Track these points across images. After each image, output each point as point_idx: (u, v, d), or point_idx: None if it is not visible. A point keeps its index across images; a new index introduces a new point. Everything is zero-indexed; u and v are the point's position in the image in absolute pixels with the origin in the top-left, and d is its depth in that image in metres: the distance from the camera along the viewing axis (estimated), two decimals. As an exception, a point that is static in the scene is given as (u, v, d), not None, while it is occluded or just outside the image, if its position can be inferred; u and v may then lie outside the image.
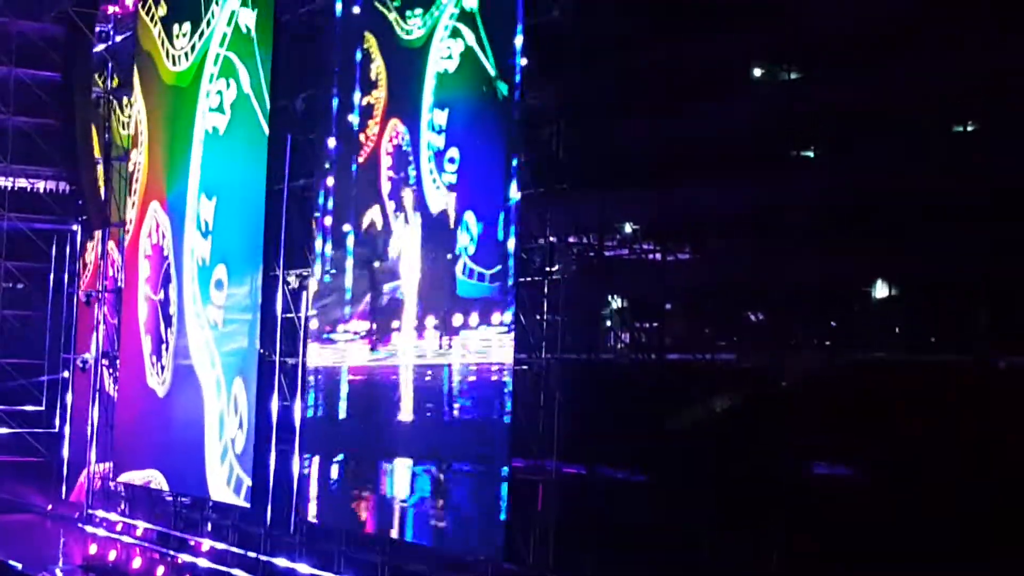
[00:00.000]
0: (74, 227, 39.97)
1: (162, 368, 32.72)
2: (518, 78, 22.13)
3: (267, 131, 29.08)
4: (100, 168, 37.35)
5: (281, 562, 28.10)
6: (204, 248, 31.59)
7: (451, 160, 23.77)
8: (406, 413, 24.36)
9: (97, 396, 36.66)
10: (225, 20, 31.09)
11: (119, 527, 35.35)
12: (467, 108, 23.61)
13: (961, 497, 17.71)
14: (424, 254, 24.36)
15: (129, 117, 36.37)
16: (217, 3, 31.45)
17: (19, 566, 32.94)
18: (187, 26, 32.83)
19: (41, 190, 41.01)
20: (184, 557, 31.85)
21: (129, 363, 34.85)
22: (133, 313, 34.80)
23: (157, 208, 33.79)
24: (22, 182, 41.09)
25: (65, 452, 39.65)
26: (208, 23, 31.85)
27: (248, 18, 30.14)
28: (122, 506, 35.51)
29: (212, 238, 31.34)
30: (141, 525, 34.41)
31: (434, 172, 24.13)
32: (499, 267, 22.04)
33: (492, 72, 22.80)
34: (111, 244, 36.85)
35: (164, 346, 32.87)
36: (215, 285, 30.78)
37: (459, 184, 23.57)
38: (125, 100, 36.98)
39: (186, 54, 32.99)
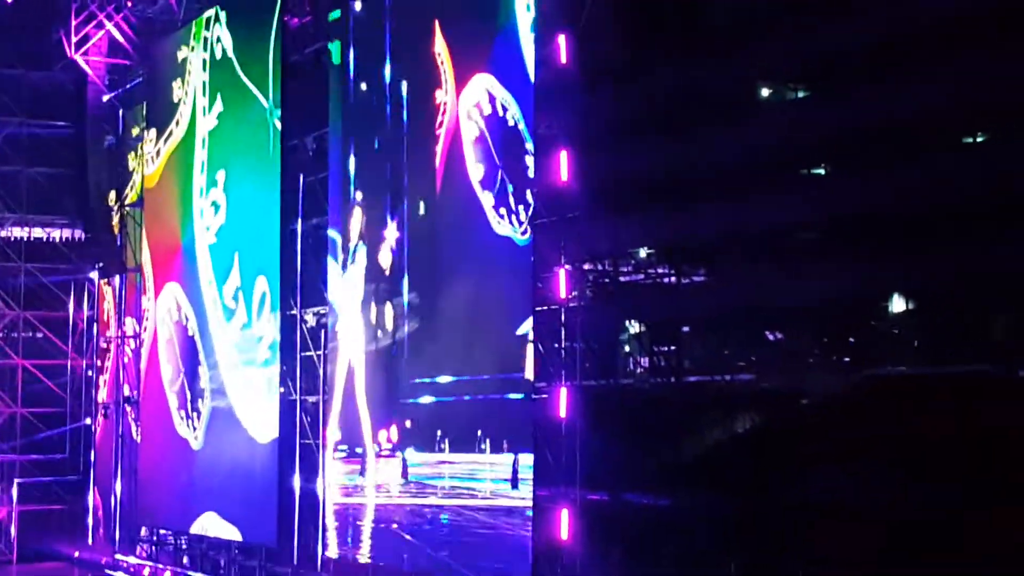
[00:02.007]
0: (91, 275, 40.12)
1: (196, 415, 32.62)
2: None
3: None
4: (115, 215, 37.54)
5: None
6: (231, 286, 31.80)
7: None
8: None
9: (121, 442, 36.75)
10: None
11: (146, 572, 35.33)
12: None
13: (987, 509, 17.65)
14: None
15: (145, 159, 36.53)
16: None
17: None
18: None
19: (57, 239, 41.21)
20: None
21: (154, 410, 34.93)
22: (155, 360, 34.91)
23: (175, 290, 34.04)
24: (38, 232, 41.31)
25: (90, 499, 39.70)
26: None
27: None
28: (150, 549, 35.51)
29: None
30: (172, 569, 34.42)
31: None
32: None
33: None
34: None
35: (191, 393, 32.88)
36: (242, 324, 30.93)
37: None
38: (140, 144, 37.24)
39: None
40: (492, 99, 23.44)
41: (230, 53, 31.47)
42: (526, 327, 22.66)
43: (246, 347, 30.20)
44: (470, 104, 24.08)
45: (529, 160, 22.39)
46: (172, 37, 34.45)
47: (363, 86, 26.79)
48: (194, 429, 32.42)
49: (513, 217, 23.15)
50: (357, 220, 26.54)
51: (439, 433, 24.66)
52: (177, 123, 34.06)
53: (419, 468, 25.06)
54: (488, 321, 23.99)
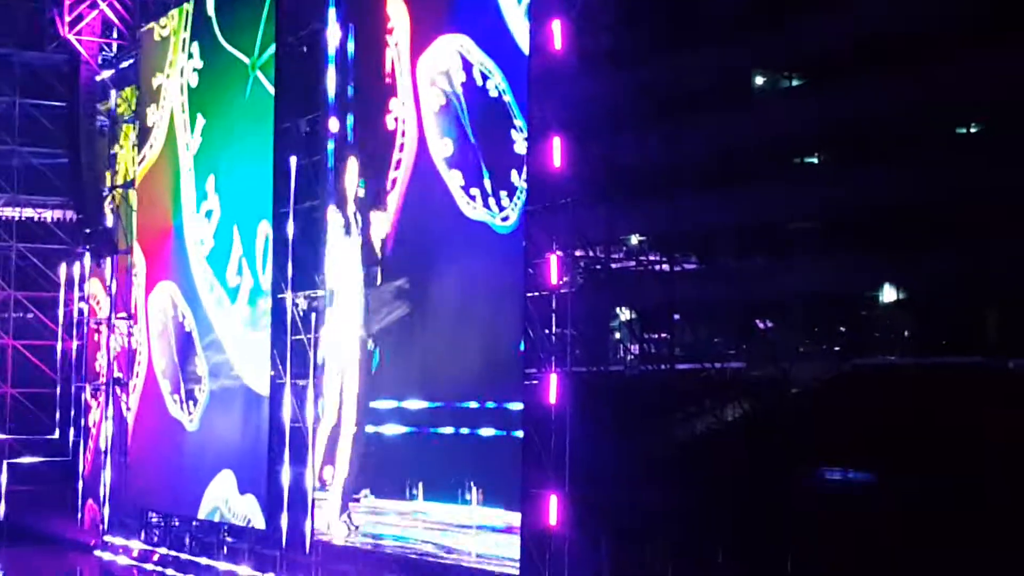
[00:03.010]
0: (83, 256, 40.03)
1: (191, 402, 32.55)
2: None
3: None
4: (106, 195, 37.50)
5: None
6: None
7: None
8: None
9: (111, 422, 36.75)
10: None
11: (135, 552, 35.35)
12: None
13: (976, 498, 17.73)
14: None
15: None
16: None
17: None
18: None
19: (48, 219, 41.14)
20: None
21: (146, 395, 34.95)
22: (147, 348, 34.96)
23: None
24: (29, 212, 41.21)
25: (80, 479, 39.70)
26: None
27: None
28: (143, 534, 35.49)
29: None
30: (160, 550, 34.45)
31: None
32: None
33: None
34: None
35: (184, 381, 32.86)
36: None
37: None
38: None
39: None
40: (468, 65, 22.21)
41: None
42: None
43: (257, 317, 30.20)
44: (435, 70, 22.87)
45: (517, 136, 20.94)
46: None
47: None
48: (189, 413, 32.39)
49: (491, 201, 22.13)
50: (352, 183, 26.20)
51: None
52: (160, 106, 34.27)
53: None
54: (470, 334, 22.72)
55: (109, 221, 37.37)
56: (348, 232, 25.91)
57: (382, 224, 24.13)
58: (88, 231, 37.58)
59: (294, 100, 29.09)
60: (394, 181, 24.03)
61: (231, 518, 29.19)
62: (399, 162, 23.63)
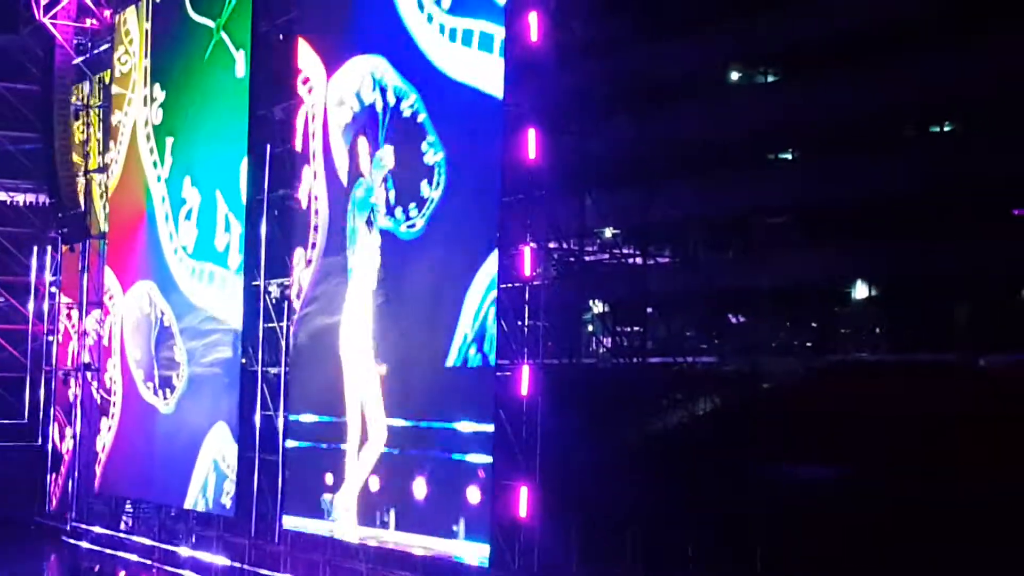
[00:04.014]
0: (56, 242, 39.82)
1: (168, 389, 32.39)
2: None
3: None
4: (79, 179, 37.31)
5: (265, 572, 28.06)
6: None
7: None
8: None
9: (81, 409, 36.62)
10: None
11: (103, 539, 35.26)
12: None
13: (946, 494, 17.79)
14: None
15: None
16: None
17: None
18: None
19: (21, 203, 40.90)
20: (169, 568, 31.79)
21: (118, 383, 34.80)
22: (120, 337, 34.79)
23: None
24: (1, 195, 40.98)
25: (49, 465, 39.53)
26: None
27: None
28: (123, 523, 35.35)
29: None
30: (128, 537, 34.35)
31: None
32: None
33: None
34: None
35: (160, 369, 32.72)
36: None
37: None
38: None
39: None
40: (383, 88, 23.06)
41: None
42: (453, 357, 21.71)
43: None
44: (345, 90, 23.70)
45: (428, 149, 21.74)
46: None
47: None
48: (165, 399, 32.22)
49: (398, 211, 22.84)
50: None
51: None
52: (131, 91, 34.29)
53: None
54: (407, 352, 23.12)
55: (82, 206, 37.20)
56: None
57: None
58: (60, 215, 37.37)
59: (269, 87, 29.00)
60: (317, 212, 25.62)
61: (228, 472, 29.04)
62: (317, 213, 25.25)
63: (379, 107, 22.91)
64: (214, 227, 30.28)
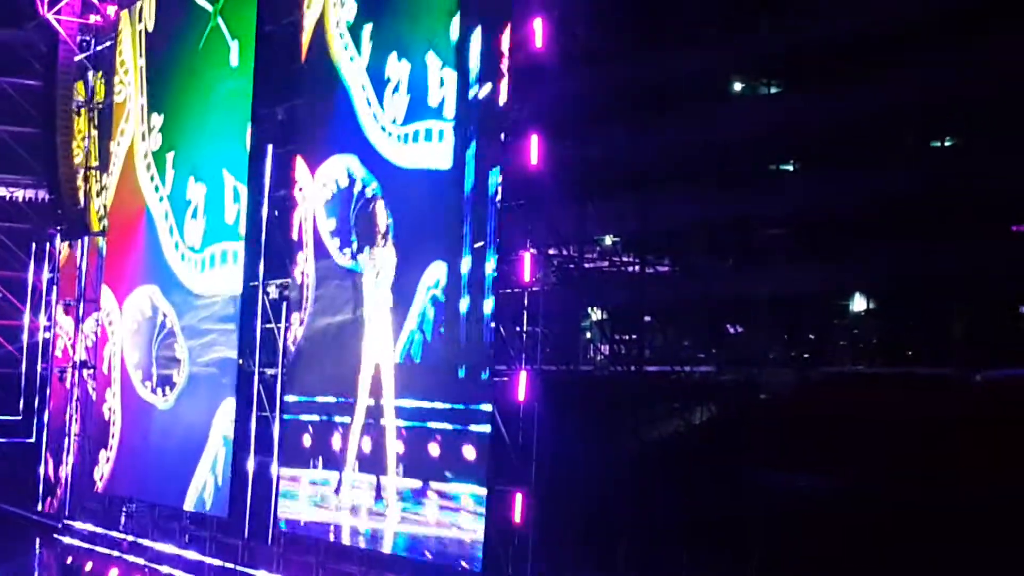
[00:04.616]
0: (55, 238, 39.81)
1: (168, 387, 32.41)
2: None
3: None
4: (80, 176, 37.32)
5: (259, 574, 28.05)
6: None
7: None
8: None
9: (77, 406, 36.57)
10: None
11: (96, 538, 35.21)
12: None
13: (942, 502, 17.82)
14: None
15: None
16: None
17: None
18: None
19: (20, 199, 40.91)
20: (162, 568, 31.76)
21: (112, 382, 34.76)
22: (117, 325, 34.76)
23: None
24: (1, 191, 40.98)
25: (42, 464, 39.47)
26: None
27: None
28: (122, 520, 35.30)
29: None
30: (122, 537, 34.29)
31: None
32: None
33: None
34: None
35: (158, 367, 32.70)
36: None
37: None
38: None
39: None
40: (351, 178, 25.45)
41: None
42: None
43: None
44: (327, 177, 26.13)
45: (381, 215, 24.56)
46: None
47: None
48: (164, 396, 32.18)
49: (347, 250, 25.43)
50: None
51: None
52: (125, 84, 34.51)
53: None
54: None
55: (82, 202, 37.20)
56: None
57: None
58: (60, 211, 37.37)
59: (271, 87, 29.03)
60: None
61: (223, 471, 29.06)
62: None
63: (355, 189, 25.62)
64: (222, 205, 30.34)
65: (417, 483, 23.18)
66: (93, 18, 37.45)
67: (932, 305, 20.79)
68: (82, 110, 38.07)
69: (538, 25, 21.49)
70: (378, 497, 24.25)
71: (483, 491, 21.62)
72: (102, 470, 34.83)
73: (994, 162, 19.77)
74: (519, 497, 21.02)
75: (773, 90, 24.80)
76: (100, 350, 35.74)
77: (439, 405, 22.79)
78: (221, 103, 30.66)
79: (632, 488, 20.84)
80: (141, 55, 34.55)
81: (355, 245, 25.45)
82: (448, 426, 22.54)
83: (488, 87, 22.22)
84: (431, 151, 23.47)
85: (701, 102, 23.99)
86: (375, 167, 24.88)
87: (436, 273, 23.20)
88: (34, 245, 41.01)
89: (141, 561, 32.78)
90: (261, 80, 29.20)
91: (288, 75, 28.35)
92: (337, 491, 25.43)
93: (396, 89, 24.30)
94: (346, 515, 25.20)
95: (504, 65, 21.77)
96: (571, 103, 22.78)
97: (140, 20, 34.62)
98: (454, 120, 22.92)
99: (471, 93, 22.60)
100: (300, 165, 27.28)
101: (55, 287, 39.85)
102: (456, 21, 23.22)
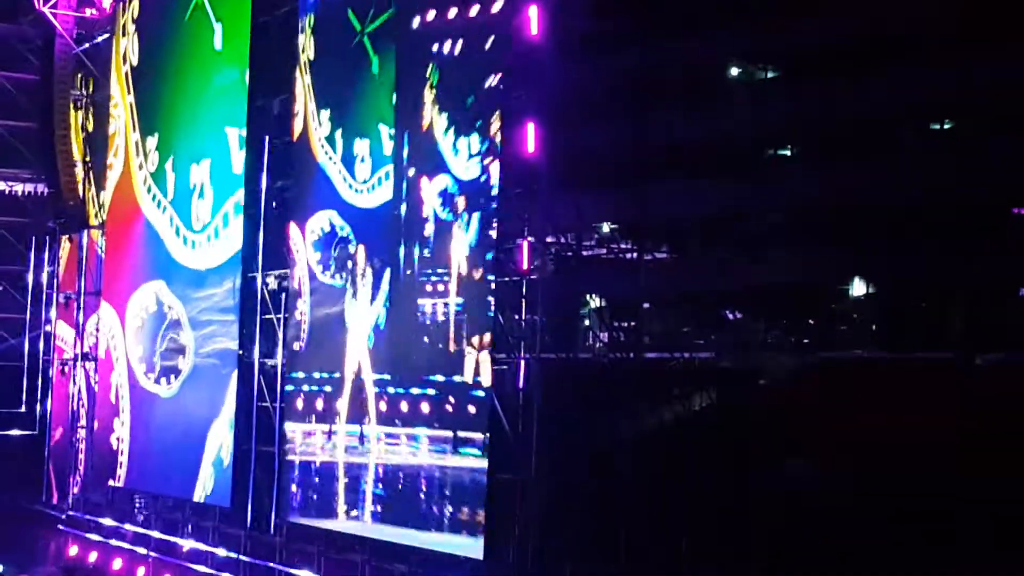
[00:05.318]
0: (54, 231, 39.80)
1: (172, 375, 32.46)
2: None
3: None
4: (78, 170, 37.31)
5: (262, 563, 28.14)
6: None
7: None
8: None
9: (79, 398, 36.61)
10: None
11: (102, 529, 35.28)
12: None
13: (942, 492, 17.82)
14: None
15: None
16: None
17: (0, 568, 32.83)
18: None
19: (19, 193, 40.84)
20: (166, 558, 31.83)
21: (113, 375, 34.82)
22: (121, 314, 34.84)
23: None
24: (0, 185, 40.95)
25: (46, 455, 39.52)
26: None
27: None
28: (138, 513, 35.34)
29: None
30: (125, 527, 34.37)
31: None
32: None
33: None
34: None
35: (161, 358, 32.78)
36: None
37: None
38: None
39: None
40: (332, 226, 27.37)
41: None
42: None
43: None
44: (315, 225, 27.90)
45: (359, 252, 26.70)
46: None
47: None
48: (169, 384, 32.22)
49: (338, 275, 27.09)
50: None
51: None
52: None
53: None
54: None
55: (81, 196, 37.20)
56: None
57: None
58: (59, 205, 37.38)
59: (267, 79, 29.04)
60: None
61: (226, 462, 29.18)
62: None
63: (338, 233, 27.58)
64: (228, 161, 30.70)
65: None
66: (89, 12, 37.42)
67: (932, 289, 20.78)
68: (80, 103, 38.07)
69: (533, 12, 21.47)
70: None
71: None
72: (109, 462, 34.90)
73: (994, 149, 19.75)
74: (519, 484, 21.06)
75: (771, 77, 24.77)
76: (106, 353, 35.84)
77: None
78: (210, 90, 30.96)
79: (632, 475, 20.86)
80: (129, 92, 35.19)
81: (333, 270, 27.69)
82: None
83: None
84: (385, 190, 26.01)
85: (699, 90, 23.97)
86: (348, 215, 27.05)
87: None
88: (34, 239, 41.02)
89: (144, 551, 32.87)
90: (257, 71, 29.21)
91: (284, 67, 28.38)
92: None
93: (362, 160, 26.71)
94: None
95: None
96: (568, 91, 22.75)
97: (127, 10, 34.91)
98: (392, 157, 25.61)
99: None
100: (294, 230, 28.40)
101: (56, 281, 39.89)
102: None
